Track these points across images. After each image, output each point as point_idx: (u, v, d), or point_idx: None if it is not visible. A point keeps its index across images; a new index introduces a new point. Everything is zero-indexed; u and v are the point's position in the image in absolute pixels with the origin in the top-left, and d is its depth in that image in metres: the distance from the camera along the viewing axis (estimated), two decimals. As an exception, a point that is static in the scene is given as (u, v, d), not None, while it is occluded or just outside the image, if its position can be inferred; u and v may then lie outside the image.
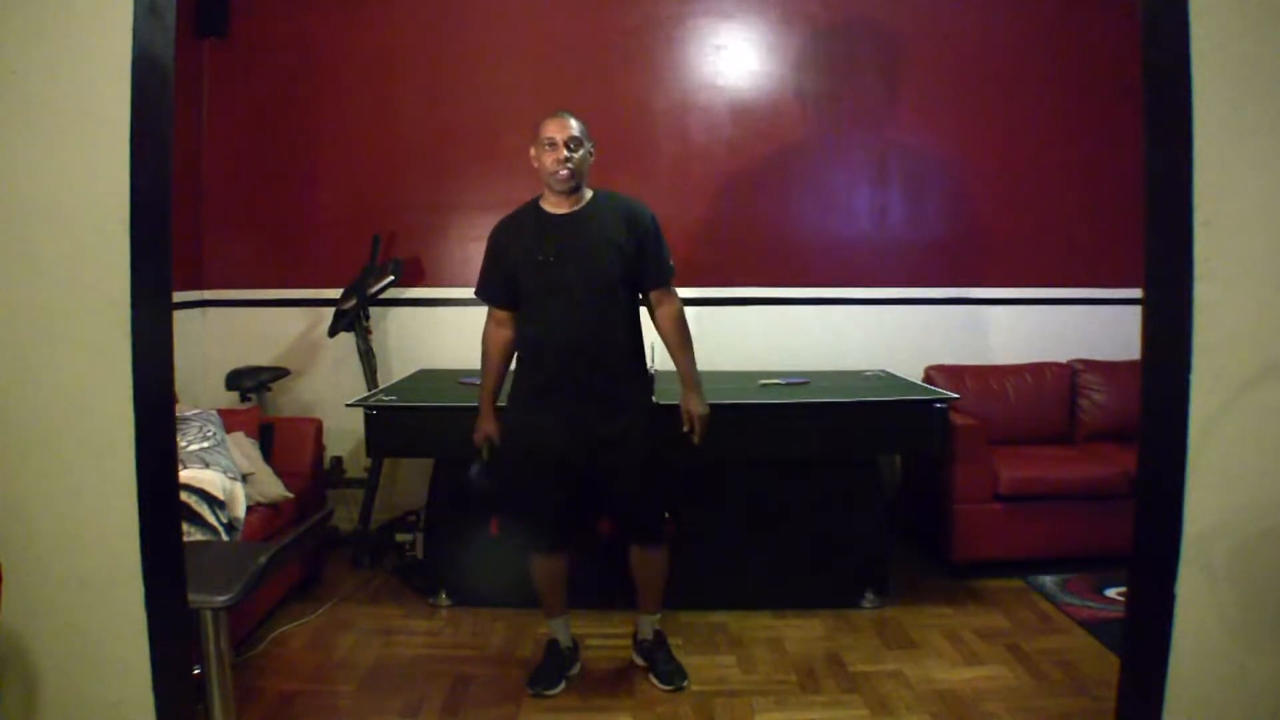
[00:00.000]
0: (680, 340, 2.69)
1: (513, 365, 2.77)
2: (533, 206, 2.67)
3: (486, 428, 2.72)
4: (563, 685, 2.76)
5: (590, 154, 2.63)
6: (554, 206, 2.63)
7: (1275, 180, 1.61)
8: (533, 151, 2.61)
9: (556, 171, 2.55)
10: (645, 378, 2.73)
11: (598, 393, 2.60)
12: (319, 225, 4.29)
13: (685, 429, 2.66)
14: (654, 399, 2.76)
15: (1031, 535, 3.60)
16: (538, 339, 2.63)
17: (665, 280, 2.68)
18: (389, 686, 2.81)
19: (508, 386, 2.78)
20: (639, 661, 2.88)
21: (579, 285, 2.56)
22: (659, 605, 2.88)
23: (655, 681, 2.77)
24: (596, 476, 2.66)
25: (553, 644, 2.86)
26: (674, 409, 2.72)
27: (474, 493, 2.66)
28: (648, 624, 2.88)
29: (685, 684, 2.75)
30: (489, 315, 2.76)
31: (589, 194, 2.66)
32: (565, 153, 2.54)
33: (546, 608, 2.87)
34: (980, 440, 3.62)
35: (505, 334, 2.72)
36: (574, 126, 2.57)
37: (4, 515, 1.59)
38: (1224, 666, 1.66)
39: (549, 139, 2.56)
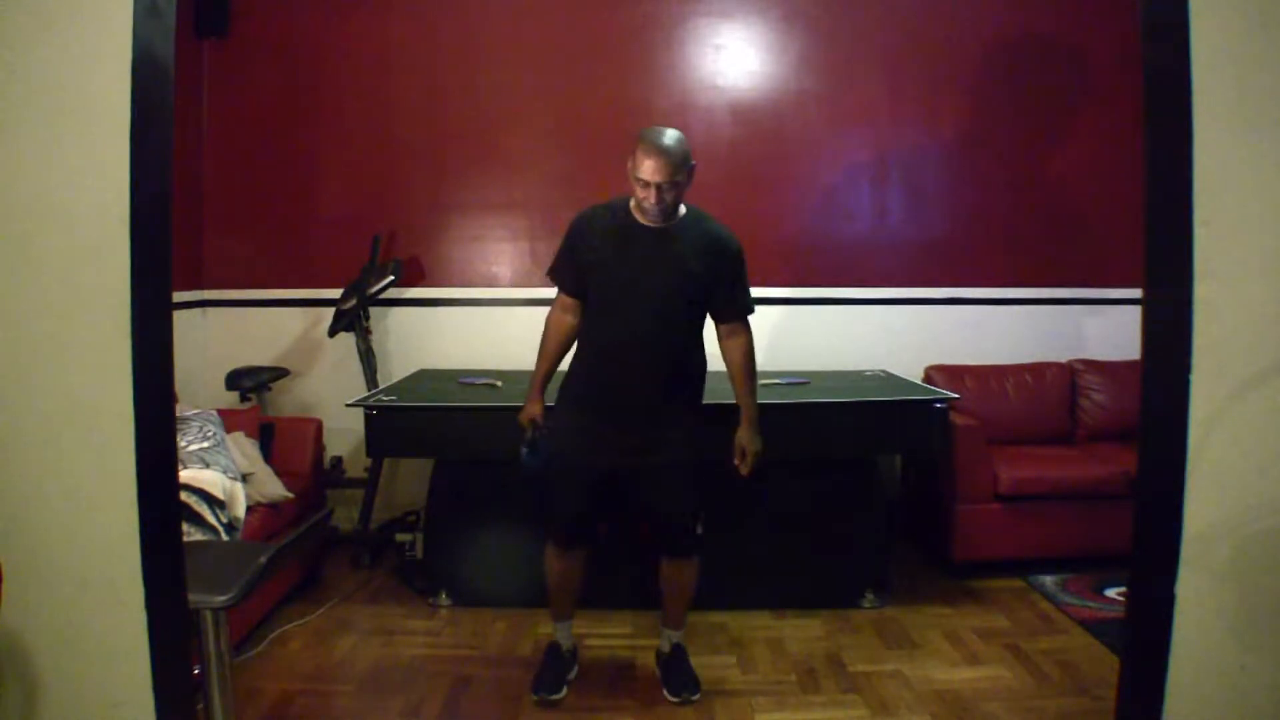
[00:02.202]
0: (746, 373, 2.65)
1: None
2: (622, 208, 2.60)
3: (531, 409, 2.70)
4: (565, 691, 2.75)
5: (689, 179, 2.51)
6: (644, 218, 2.56)
7: (1275, 180, 1.61)
8: (629, 164, 2.48)
9: (647, 210, 2.50)
10: (695, 397, 2.69)
11: (644, 405, 2.58)
12: (319, 225, 4.29)
13: (736, 460, 2.64)
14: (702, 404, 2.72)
15: (1031, 535, 3.60)
16: (596, 340, 2.63)
17: (740, 315, 2.66)
18: (389, 687, 2.81)
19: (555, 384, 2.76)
20: (658, 673, 2.85)
21: (646, 301, 2.54)
22: (683, 620, 2.84)
23: (665, 693, 2.75)
24: (633, 483, 2.64)
25: (553, 647, 2.84)
26: (719, 411, 2.70)
27: (524, 476, 2.67)
28: (668, 639, 2.85)
29: (695, 697, 2.72)
30: (556, 299, 2.72)
31: (682, 210, 2.59)
32: (656, 196, 2.45)
33: (554, 609, 2.84)
34: (980, 440, 3.62)
35: (569, 320, 2.69)
36: (673, 166, 2.41)
37: (4, 515, 1.59)
38: (1224, 666, 1.66)
39: (643, 180, 2.44)
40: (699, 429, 2.66)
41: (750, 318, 2.69)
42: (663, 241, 2.56)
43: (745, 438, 2.65)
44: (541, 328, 2.74)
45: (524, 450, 2.68)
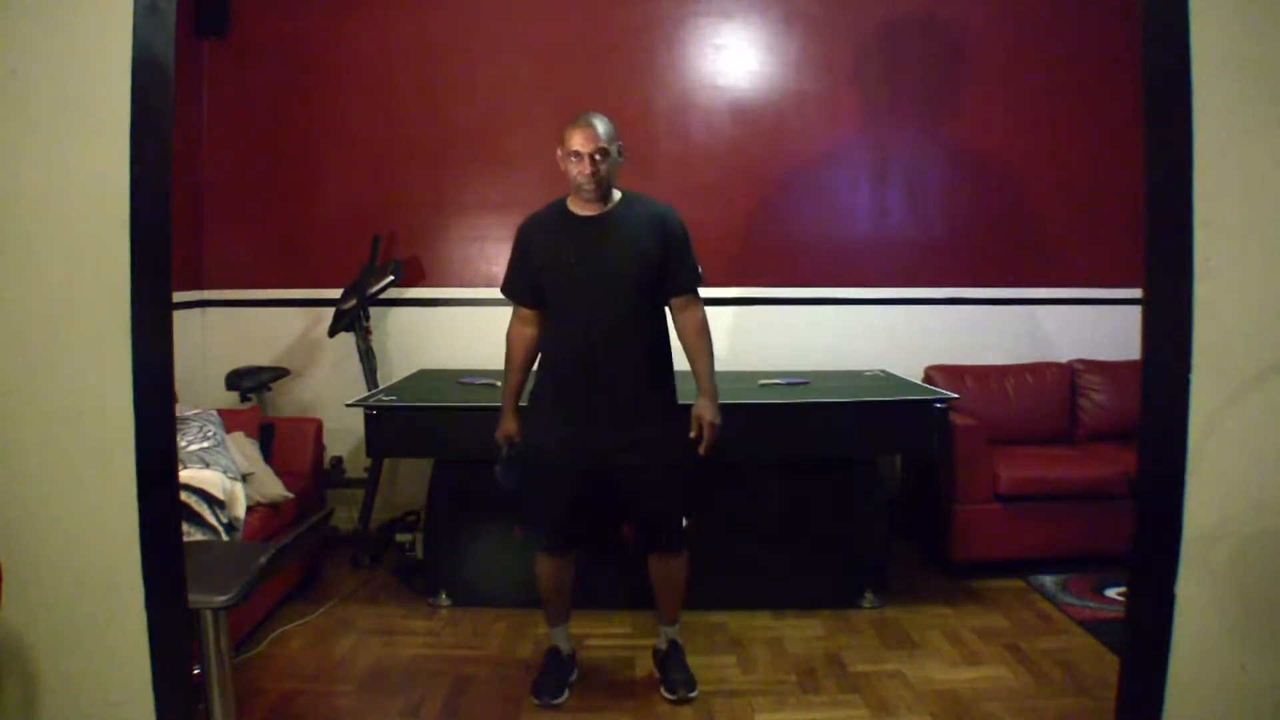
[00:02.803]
0: (700, 346, 2.66)
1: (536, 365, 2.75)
2: (559, 206, 2.65)
3: (507, 426, 2.71)
4: (567, 694, 2.75)
5: (620, 156, 2.59)
6: (580, 209, 2.60)
7: (1275, 180, 1.61)
8: (558, 153, 2.57)
9: (583, 185, 2.53)
10: (669, 384, 2.69)
11: (618, 398, 2.58)
12: (319, 225, 4.29)
13: (693, 435, 2.62)
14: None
15: (1031, 535, 3.60)
16: (559, 341, 2.63)
17: (690, 287, 2.66)
18: (389, 686, 2.81)
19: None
20: (656, 673, 2.85)
21: (601, 290, 2.55)
22: (676, 616, 2.84)
23: (662, 692, 2.75)
24: (615, 482, 2.63)
25: (554, 651, 2.84)
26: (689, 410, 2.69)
27: (501, 491, 2.68)
28: (664, 636, 2.85)
29: (692, 695, 2.71)
30: (514, 313, 2.74)
31: (617, 195, 2.63)
32: (590, 167, 2.50)
33: (549, 614, 2.84)
34: (980, 440, 3.62)
35: (530, 332, 2.70)
36: (601, 136, 2.50)
37: (4, 515, 1.59)
38: (1224, 666, 1.66)
39: (574, 151, 2.50)
40: (680, 426, 2.64)
41: (700, 289, 2.69)
42: (606, 227, 2.58)
43: (702, 407, 2.63)
44: None
45: (498, 468, 2.69)
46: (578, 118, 2.54)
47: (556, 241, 2.60)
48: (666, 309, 2.69)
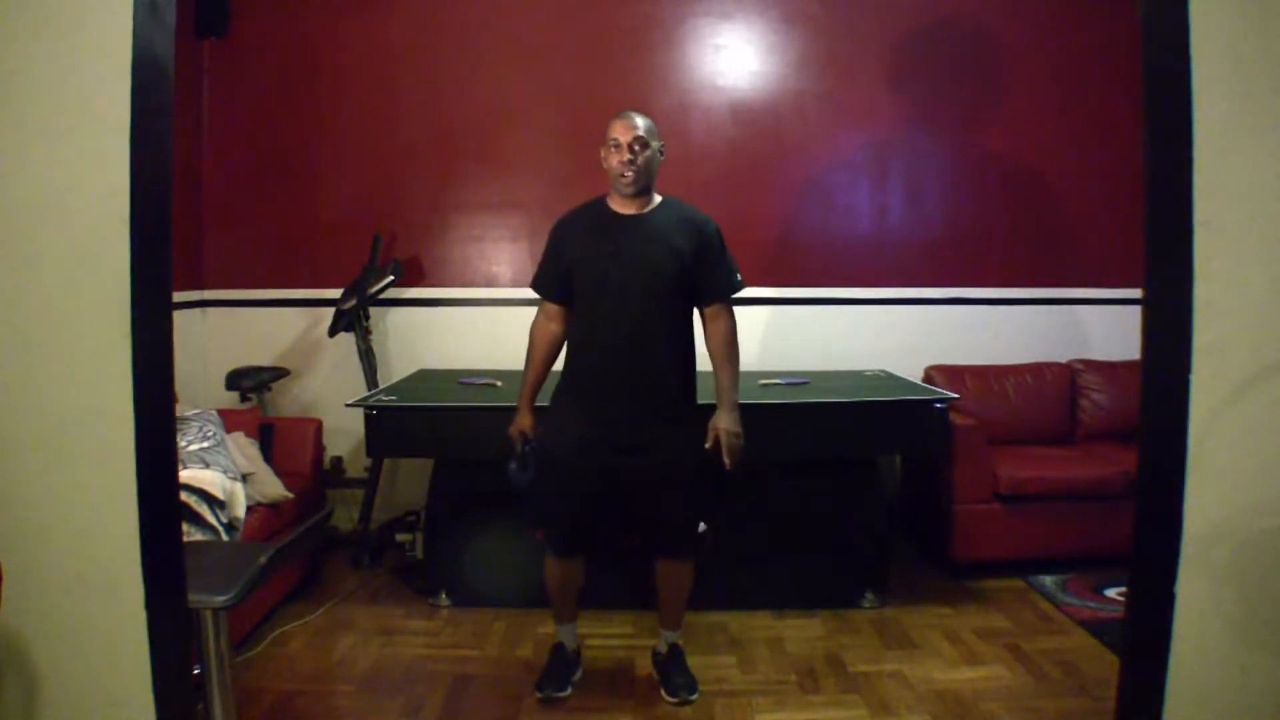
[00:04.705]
0: (727, 356, 2.64)
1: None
2: (599, 204, 2.66)
3: (521, 422, 2.69)
4: (570, 690, 2.75)
5: (660, 153, 2.60)
6: (620, 206, 2.60)
7: (1275, 180, 1.61)
8: (601, 152, 2.58)
9: (622, 174, 2.53)
10: (691, 389, 2.67)
11: (639, 397, 2.57)
12: (319, 225, 4.29)
13: (708, 445, 2.58)
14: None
15: (1031, 535, 3.60)
16: (586, 337, 2.62)
17: (725, 294, 2.65)
18: (389, 686, 2.81)
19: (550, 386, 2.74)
20: (655, 675, 2.84)
21: (634, 287, 2.54)
22: (679, 622, 2.82)
23: (663, 694, 2.74)
24: (629, 484, 2.61)
25: (559, 647, 2.83)
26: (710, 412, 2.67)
27: (513, 489, 2.66)
28: (665, 640, 2.83)
29: (693, 698, 2.70)
30: (540, 308, 2.73)
31: (657, 198, 2.64)
32: (629, 155, 2.51)
33: (556, 612, 2.83)
34: (980, 440, 3.62)
35: (554, 329, 2.70)
36: (639, 126, 2.53)
37: (4, 515, 1.59)
38: (1224, 666, 1.66)
39: (614, 140, 2.53)
40: (700, 431, 2.63)
41: (733, 298, 2.67)
42: (642, 225, 2.59)
43: (721, 419, 2.59)
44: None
45: (512, 465, 2.66)
46: (620, 111, 2.58)
47: (593, 237, 2.60)
48: (695, 316, 2.68)
